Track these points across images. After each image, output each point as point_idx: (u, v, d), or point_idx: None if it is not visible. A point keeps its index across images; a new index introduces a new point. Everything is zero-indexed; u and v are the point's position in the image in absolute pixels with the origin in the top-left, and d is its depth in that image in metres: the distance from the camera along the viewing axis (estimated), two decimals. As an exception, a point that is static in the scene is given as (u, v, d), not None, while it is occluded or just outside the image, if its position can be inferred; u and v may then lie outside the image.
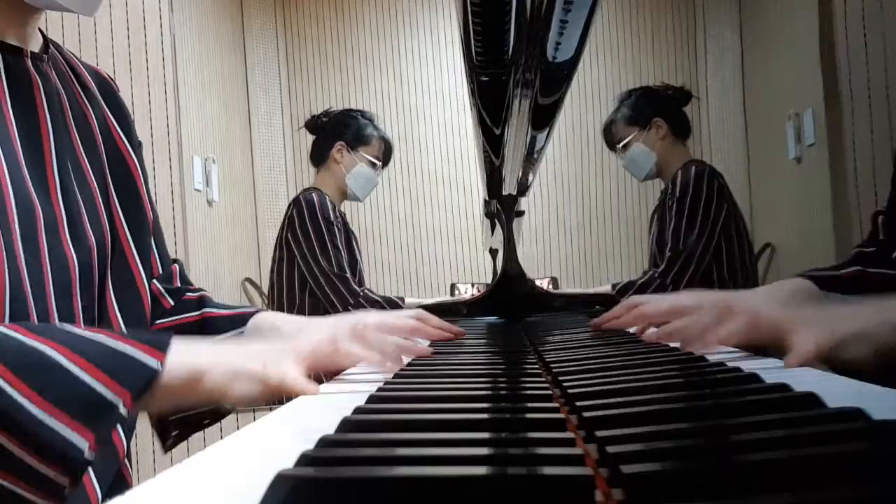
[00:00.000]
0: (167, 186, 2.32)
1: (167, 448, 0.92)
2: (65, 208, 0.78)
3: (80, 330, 0.64)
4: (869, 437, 0.35)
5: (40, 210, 0.75)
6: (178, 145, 2.36)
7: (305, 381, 0.69)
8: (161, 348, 0.63)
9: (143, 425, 0.93)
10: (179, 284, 1.00)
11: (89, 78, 0.91)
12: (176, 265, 1.00)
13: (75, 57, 0.92)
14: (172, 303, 0.96)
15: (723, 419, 0.41)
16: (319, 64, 3.64)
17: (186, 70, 2.64)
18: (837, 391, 0.50)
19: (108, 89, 0.93)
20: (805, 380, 0.57)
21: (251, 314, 0.94)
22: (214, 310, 0.96)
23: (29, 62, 0.81)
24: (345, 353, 0.76)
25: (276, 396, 0.69)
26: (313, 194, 2.50)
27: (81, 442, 0.56)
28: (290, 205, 2.55)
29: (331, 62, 3.64)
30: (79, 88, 0.88)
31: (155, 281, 0.95)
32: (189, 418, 0.90)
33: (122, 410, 0.58)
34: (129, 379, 0.60)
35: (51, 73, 0.84)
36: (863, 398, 0.48)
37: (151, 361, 0.62)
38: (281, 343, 0.75)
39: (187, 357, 0.66)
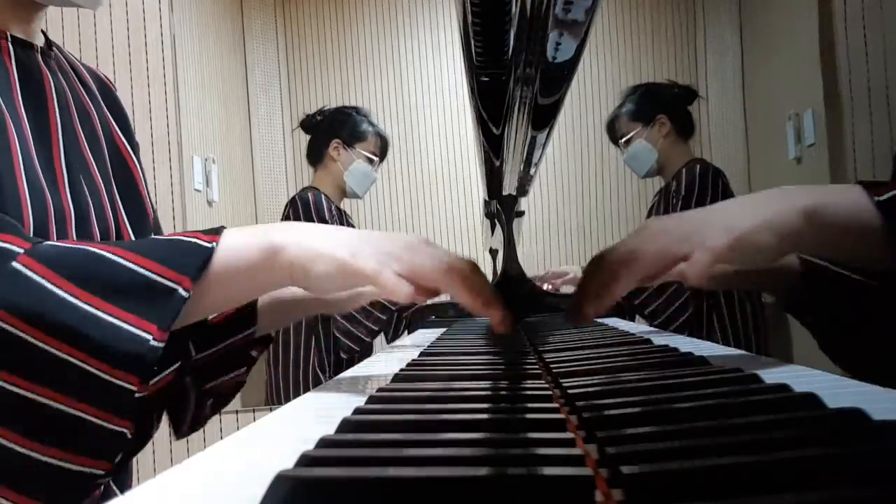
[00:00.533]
0: (167, 186, 2.32)
1: (184, 433, 0.91)
2: (73, 203, 0.79)
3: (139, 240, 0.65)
4: (869, 437, 0.35)
5: (50, 200, 0.75)
6: (178, 145, 2.36)
7: (399, 281, 0.62)
8: (216, 232, 0.62)
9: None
10: None
11: (90, 78, 0.91)
12: None
13: (74, 57, 0.92)
14: None
15: (723, 420, 0.41)
16: (319, 64, 3.64)
17: (186, 70, 2.64)
18: (837, 391, 0.50)
19: (107, 91, 0.94)
20: (805, 380, 0.57)
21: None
22: None
23: (39, 56, 0.82)
24: (459, 285, 0.64)
25: (361, 284, 0.63)
26: (309, 193, 2.51)
27: (143, 334, 0.55)
28: (286, 205, 2.56)
29: (331, 62, 3.64)
30: (81, 88, 0.88)
31: None
32: (222, 388, 0.91)
33: (183, 293, 0.57)
34: (185, 262, 0.59)
35: (57, 70, 0.84)
36: (863, 398, 0.48)
37: (205, 243, 0.61)
38: (377, 238, 0.65)
39: (261, 234, 0.63)
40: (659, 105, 2.39)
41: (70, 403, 0.55)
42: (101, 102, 0.91)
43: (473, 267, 0.66)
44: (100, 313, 0.55)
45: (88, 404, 0.55)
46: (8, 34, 0.79)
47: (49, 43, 0.86)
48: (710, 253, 0.61)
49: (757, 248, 0.62)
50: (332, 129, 2.60)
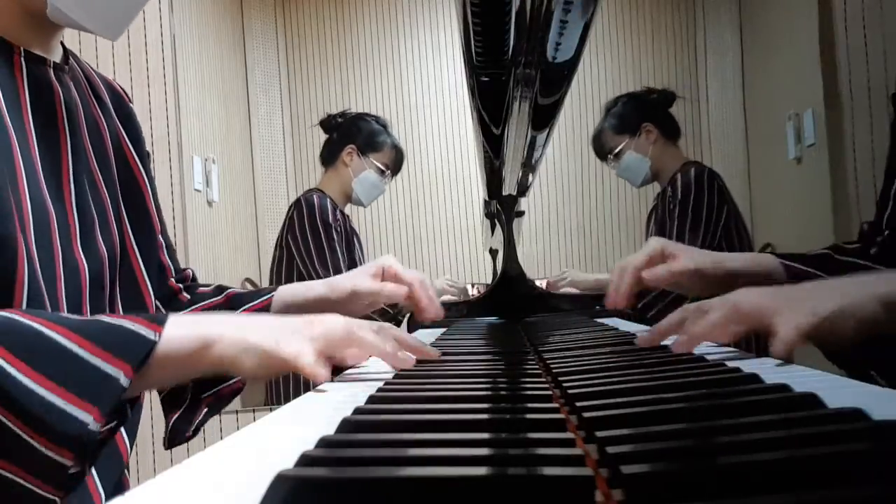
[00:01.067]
0: (167, 186, 2.32)
1: (179, 442, 0.92)
2: (78, 217, 0.80)
3: (77, 316, 0.65)
4: (869, 437, 0.35)
5: (55, 217, 0.76)
6: (178, 145, 2.36)
7: (316, 365, 0.67)
8: (159, 322, 0.64)
9: (144, 426, 0.93)
10: (192, 283, 1.05)
11: (104, 90, 0.92)
12: (189, 270, 1.04)
13: (92, 69, 0.93)
14: (189, 296, 1.00)
15: (723, 419, 0.41)
16: (319, 64, 3.64)
17: (186, 70, 2.64)
18: (837, 391, 0.50)
19: (121, 103, 0.94)
20: (805, 380, 0.57)
21: (273, 288, 1.01)
22: (237, 289, 1.02)
23: (51, 72, 0.82)
24: (358, 340, 0.73)
25: (283, 373, 0.68)
26: (314, 196, 2.50)
27: (85, 416, 0.56)
28: (291, 206, 2.56)
29: (331, 62, 3.64)
30: (94, 101, 0.89)
31: (171, 279, 0.99)
32: (221, 392, 0.92)
33: (124, 382, 0.59)
34: (128, 351, 0.60)
35: (70, 84, 0.85)
36: (863, 398, 0.48)
37: (149, 333, 0.62)
38: (294, 323, 0.72)
39: (196, 327, 0.67)
40: (642, 113, 2.39)
41: (4, 465, 0.56)
42: (114, 116, 0.91)
43: (379, 327, 0.77)
44: (42, 390, 0.56)
45: (22, 469, 0.56)
46: (21, 49, 0.79)
47: (67, 55, 0.87)
48: (796, 332, 0.67)
49: (836, 333, 0.69)
50: (350, 134, 2.59)
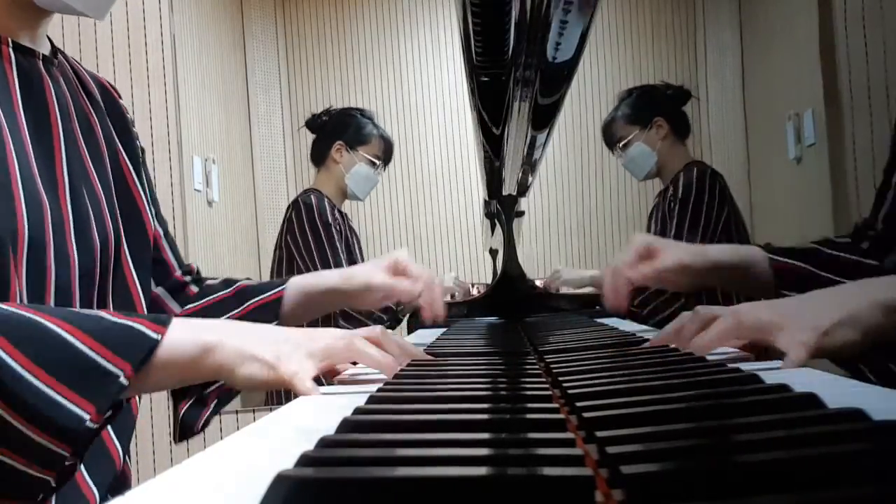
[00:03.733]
0: (167, 186, 2.32)
1: (192, 433, 0.92)
2: (72, 209, 0.79)
3: (80, 309, 0.65)
4: (869, 437, 0.35)
5: (48, 208, 0.75)
6: (178, 145, 2.36)
7: (310, 384, 0.67)
8: (163, 323, 0.64)
9: (144, 426, 0.93)
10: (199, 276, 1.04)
11: (94, 87, 0.91)
12: (194, 265, 1.04)
13: (80, 64, 0.92)
14: (197, 290, 1.00)
15: (723, 420, 0.41)
16: (319, 64, 3.64)
17: (186, 70, 2.64)
18: (837, 391, 0.50)
19: (110, 99, 0.93)
20: (805, 380, 0.57)
21: (285, 279, 0.99)
22: (246, 282, 1.01)
23: (40, 63, 0.81)
24: (359, 352, 0.72)
25: (279, 387, 0.68)
26: (312, 196, 2.50)
27: (81, 412, 0.57)
28: (289, 206, 2.55)
29: (331, 62, 3.64)
30: (84, 97, 0.88)
31: (178, 272, 0.99)
32: (224, 388, 0.92)
33: (124, 381, 0.59)
34: (130, 350, 0.60)
35: (59, 78, 0.84)
36: (863, 398, 0.48)
37: (152, 333, 0.62)
38: (297, 337, 0.72)
39: (197, 332, 0.67)
40: (655, 107, 2.39)
41: (3, 452, 0.57)
42: (105, 112, 0.90)
43: (379, 332, 0.76)
44: (40, 383, 0.56)
45: (20, 456, 0.57)
46: (9, 40, 0.78)
47: (55, 50, 0.86)
48: (804, 350, 0.67)
49: (842, 344, 0.69)
50: (336, 131, 2.59)
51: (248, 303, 0.96)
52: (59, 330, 0.59)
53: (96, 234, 0.81)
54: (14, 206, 0.71)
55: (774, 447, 0.33)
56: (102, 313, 0.64)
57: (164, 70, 2.34)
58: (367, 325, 2.58)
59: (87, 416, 0.57)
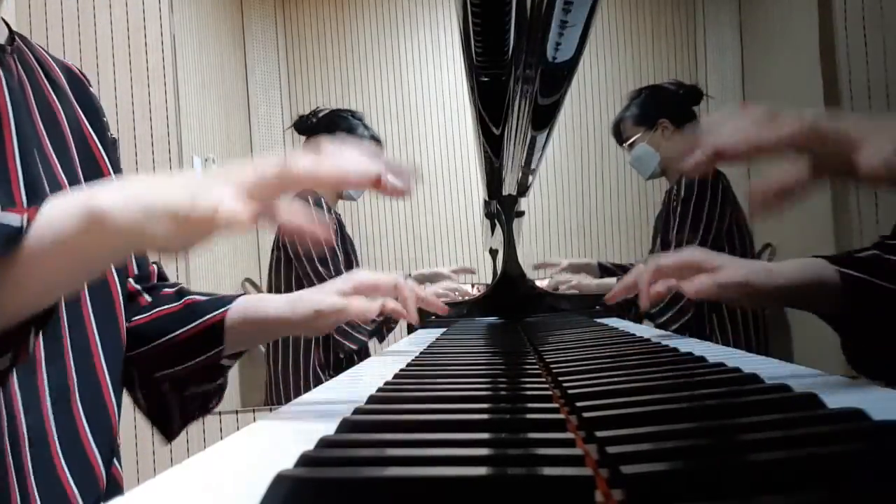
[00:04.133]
0: (167, 186, 2.32)
1: (175, 435, 0.90)
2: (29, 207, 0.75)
3: None
4: (869, 437, 0.35)
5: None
6: (178, 145, 2.36)
7: (245, 208, 0.52)
8: (30, 207, 0.54)
9: (144, 425, 0.92)
10: (156, 282, 0.96)
11: (59, 73, 0.85)
12: (154, 265, 0.97)
13: (44, 50, 0.86)
14: (150, 299, 0.92)
15: (723, 419, 0.41)
16: (319, 64, 3.64)
17: (186, 70, 2.64)
18: (837, 391, 0.50)
19: (78, 86, 0.87)
20: (805, 380, 0.57)
21: (234, 297, 0.91)
22: (196, 296, 0.92)
23: None
24: (294, 175, 0.56)
25: (208, 234, 0.54)
26: (309, 196, 2.51)
27: None
28: None
29: (331, 62, 3.64)
30: (47, 84, 0.82)
31: (130, 280, 0.91)
32: (204, 393, 0.88)
33: None
34: None
35: (15, 67, 0.77)
36: (863, 398, 0.48)
37: (13, 219, 0.53)
38: (213, 173, 0.57)
39: (82, 199, 0.54)
40: (662, 108, 2.40)
41: None
42: (72, 99, 0.84)
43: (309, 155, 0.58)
44: None
45: None
46: None
47: (13, 36, 0.79)
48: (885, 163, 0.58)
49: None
50: (327, 132, 2.59)
51: (194, 323, 0.87)
52: None
53: None
54: None
55: (774, 447, 0.33)
56: None
57: (164, 70, 2.34)
58: (360, 325, 2.55)
59: None
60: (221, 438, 0.47)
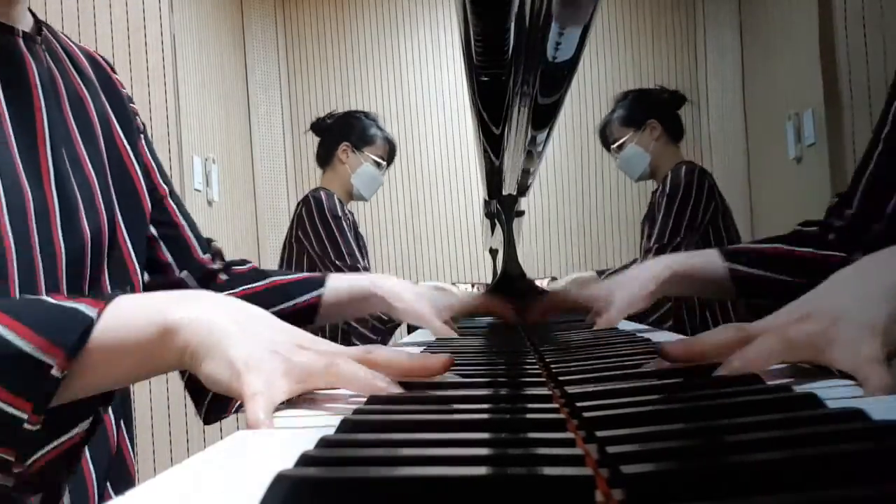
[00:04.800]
0: (167, 186, 2.32)
1: (212, 420, 0.89)
2: (58, 197, 0.74)
3: (26, 296, 0.59)
4: (869, 437, 0.35)
5: (30, 196, 0.71)
6: (178, 145, 2.36)
7: (262, 416, 0.51)
8: (106, 299, 0.54)
9: (144, 426, 0.92)
10: (226, 261, 1.00)
11: (86, 63, 0.85)
12: (215, 243, 0.99)
13: (69, 39, 0.86)
14: (226, 278, 0.96)
15: (723, 420, 0.41)
16: (319, 64, 3.64)
17: (186, 70, 2.64)
18: (838, 391, 0.50)
19: (104, 74, 0.88)
20: (805, 380, 0.57)
21: (323, 278, 0.96)
22: (282, 277, 0.97)
23: (21, 42, 0.75)
24: (340, 374, 0.57)
25: (236, 395, 0.54)
26: (321, 192, 2.53)
27: (17, 412, 0.50)
28: (298, 203, 2.57)
29: (331, 62, 3.64)
30: (75, 74, 0.82)
31: (204, 257, 0.95)
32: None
33: (56, 372, 0.51)
34: (62, 333, 0.51)
35: (44, 56, 0.78)
36: (863, 398, 0.48)
37: (88, 310, 0.53)
38: (281, 340, 0.57)
39: (158, 308, 0.55)
40: (649, 110, 2.42)
41: None
42: (98, 89, 0.85)
43: (357, 358, 0.59)
44: None
45: None
46: None
47: (39, 25, 0.80)
48: (877, 364, 0.51)
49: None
50: (342, 133, 2.63)
51: (290, 304, 0.93)
52: None
53: (86, 222, 0.76)
54: None
55: (774, 447, 0.33)
56: (46, 297, 0.55)
57: (164, 70, 2.34)
58: (359, 330, 2.55)
59: (24, 416, 0.50)
60: (221, 438, 0.47)
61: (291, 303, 0.93)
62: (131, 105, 0.90)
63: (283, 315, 0.85)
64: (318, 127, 2.69)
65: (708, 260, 1.02)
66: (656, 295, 1.04)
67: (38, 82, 0.75)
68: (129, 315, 0.55)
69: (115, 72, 0.91)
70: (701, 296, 1.11)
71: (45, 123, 0.74)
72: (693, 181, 2.26)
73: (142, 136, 0.91)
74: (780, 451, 0.32)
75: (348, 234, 2.49)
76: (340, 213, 2.51)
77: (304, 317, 0.92)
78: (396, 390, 0.57)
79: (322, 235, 2.45)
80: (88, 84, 0.84)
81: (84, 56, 0.86)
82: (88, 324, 0.52)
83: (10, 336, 0.51)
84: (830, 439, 0.34)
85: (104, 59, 0.90)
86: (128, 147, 0.85)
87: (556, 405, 0.50)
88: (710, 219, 2.25)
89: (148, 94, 2.32)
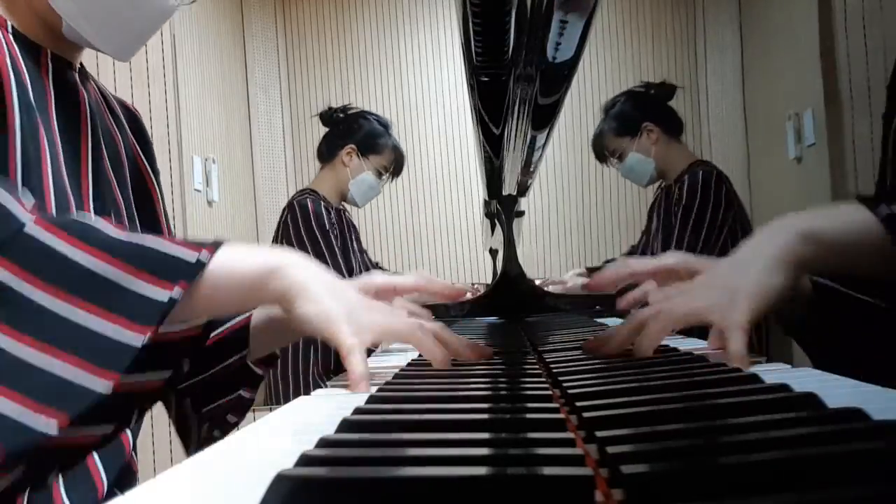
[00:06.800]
0: (167, 186, 2.32)
1: (195, 446, 0.90)
2: (94, 213, 0.81)
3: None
4: (869, 437, 0.35)
5: (75, 210, 0.77)
6: (178, 145, 2.36)
7: (364, 367, 0.62)
8: (213, 245, 0.62)
9: (144, 427, 0.93)
10: None
11: (118, 107, 0.94)
12: None
13: (104, 87, 0.95)
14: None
15: (723, 419, 0.41)
16: (319, 64, 3.64)
17: (186, 70, 2.64)
18: (837, 391, 0.50)
19: (134, 119, 0.96)
20: (805, 380, 0.57)
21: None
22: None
23: (76, 75, 0.85)
24: (419, 340, 0.68)
25: (326, 342, 0.65)
26: (308, 200, 2.47)
27: (134, 338, 0.56)
28: (284, 209, 2.54)
29: (331, 62, 3.64)
30: (109, 114, 0.90)
31: None
32: (223, 409, 0.89)
33: (176, 295, 0.58)
34: (175, 274, 0.59)
35: (92, 91, 0.87)
36: (863, 398, 0.48)
37: (203, 255, 0.61)
38: (358, 301, 0.67)
39: (267, 254, 0.65)
40: (641, 113, 2.36)
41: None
42: (128, 131, 0.93)
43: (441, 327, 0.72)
44: (84, 314, 0.55)
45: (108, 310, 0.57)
46: (48, 51, 0.81)
47: (84, 73, 0.89)
48: (741, 331, 0.61)
49: (775, 295, 0.63)
50: (350, 133, 2.55)
51: (213, 333, 0.88)
52: (94, 260, 0.57)
53: None
54: (45, 206, 0.73)
55: (774, 447, 0.33)
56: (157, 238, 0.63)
57: (164, 70, 2.34)
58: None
59: (164, 298, 0.57)
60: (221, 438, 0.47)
61: (222, 328, 0.88)
62: (153, 153, 0.98)
63: (214, 341, 0.86)
64: (329, 118, 2.62)
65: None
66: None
67: (88, 113, 0.84)
68: (240, 255, 0.64)
69: (140, 118, 0.99)
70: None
71: (89, 147, 0.82)
72: (711, 189, 2.20)
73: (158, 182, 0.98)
74: (780, 450, 0.32)
75: (335, 248, 2.43)
76: (327, 223, 2.45)
77: (237, 342, 0.87)
78: (447, 366, 0.68)
79: (308, 249, 2.38)
80: (120, 126, 0.92)
81: (116, 101, 0.95)
82: (198, 265, 0.61)
83: (158, 245, 0.60)
84: (830, 439, 0.34)
85: (134, 108, 0.99)
86: (154, 181, 0.94)
87: (555, 405, 0.50)
88: (729, 226, 2.21)
89: (148, 94, 2.32)
